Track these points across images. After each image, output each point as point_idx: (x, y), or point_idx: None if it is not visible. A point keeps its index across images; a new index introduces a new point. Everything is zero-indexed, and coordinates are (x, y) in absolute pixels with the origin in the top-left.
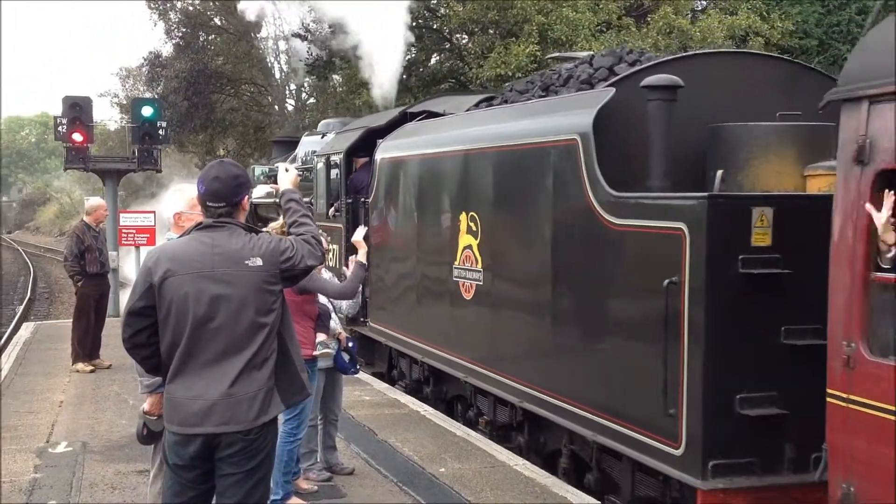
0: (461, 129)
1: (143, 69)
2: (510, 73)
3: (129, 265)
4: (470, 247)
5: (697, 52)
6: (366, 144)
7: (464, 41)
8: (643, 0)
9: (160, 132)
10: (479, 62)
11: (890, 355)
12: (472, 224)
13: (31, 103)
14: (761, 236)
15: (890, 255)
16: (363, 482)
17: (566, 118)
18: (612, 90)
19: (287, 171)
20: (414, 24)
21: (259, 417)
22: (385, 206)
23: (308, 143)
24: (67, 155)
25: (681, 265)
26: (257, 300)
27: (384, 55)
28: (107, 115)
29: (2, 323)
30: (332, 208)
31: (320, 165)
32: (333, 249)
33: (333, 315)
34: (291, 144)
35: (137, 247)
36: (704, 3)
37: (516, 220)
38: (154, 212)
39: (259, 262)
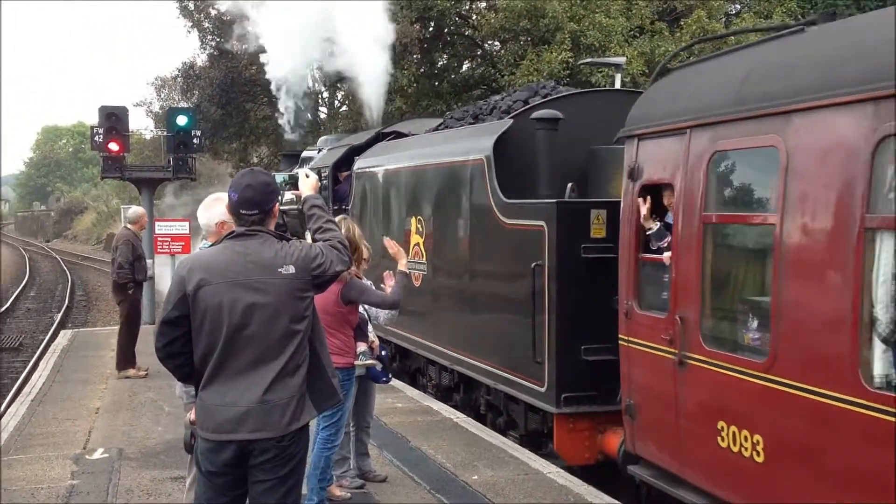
0: (412, 150)
1: (178, 79)
2: (543, 81)
3: (167, 275)
4: (418, 244)
5: (581, 91)
6: (349, 160)
7: (496, 48)
8: (676, 4)
9: (195, 141)
10: (511, 69)
11: (651, 309)
12: (418, 225)
13: (69, 113)
14: (598, 230)
15: (651, 231)
16: (396, 489)
17: (477, 143)
18: (511, 121)
19: (308, 176)
20: (446, 30)
21: (292, 424)
22: (360, 212)
23: (306, 157)
24: (104, 164)
25: (543, 252)
26: (291, 307)
27: (369, 78)
28: (142, 125)
29: (40, 330)
30: None
31: (319, 177)
32: None
33: (370, 324)
34: (297, 157)
35: (173, 255)
36: (738, 6)
37: (446, 221)
38: (188, 220)
39: (292, 269)
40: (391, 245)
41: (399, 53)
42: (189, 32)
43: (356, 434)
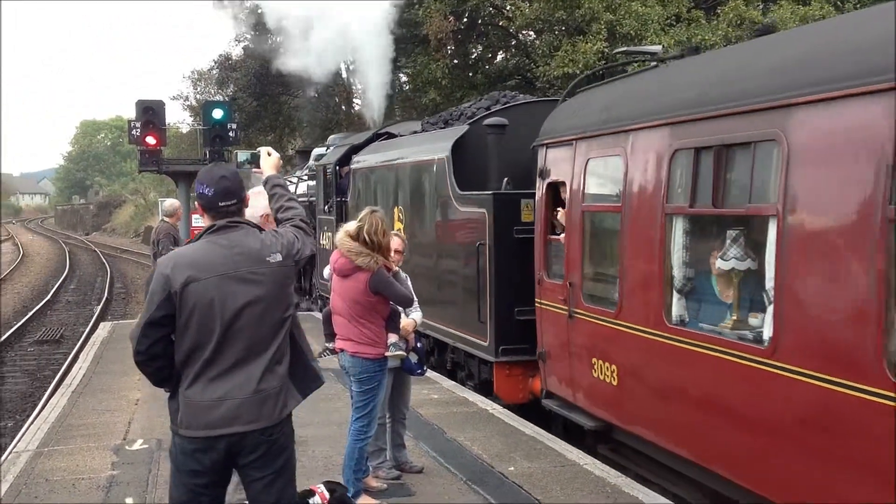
0: (395, 149)
1: (214, 72)
2: (578, 72)
3: None
4: (400, 230)
5: (532, 100)
6: (350, 157)
7: (530, 38)
8: None
9: (230, 134)
10: (545, 60)
11: (554, 278)
12: (400, 214)
13: (107, 107)
14: (528, 215)
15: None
16: (432, 480)
17: (441, 144)
18: (467, 127)
19: (270, 155)
20: (479, 20)
21: (283, 412)
22: (357, 203)
23: (318, 154)
24: (141, 158)
25: (485, 234)
26: (280, 295)
27: (371, 84)
28: (179, 118)
29: (80, 323)
30: (327, 205)
31: (320, 173)
32: (328, 236)
33: (403, 316)
34: (310, 153)
35: None
36: None
37: (418, 210)
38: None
39: (279, 257)
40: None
41: (434, 47)
42: (235, 18)
43: (392, 425)
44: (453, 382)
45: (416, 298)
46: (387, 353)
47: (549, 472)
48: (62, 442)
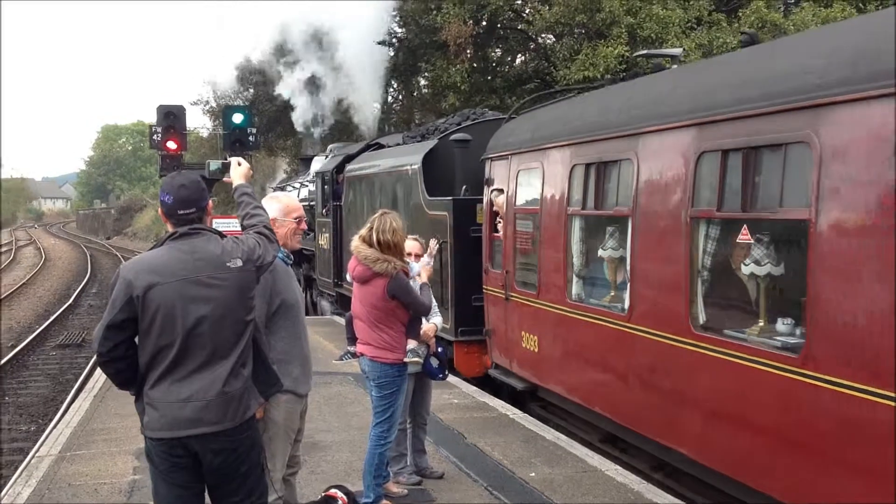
0: (379, 159)
1: (235, 76)
2: (598, 75)
3: None
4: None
5: (492, 118)
6: (345, 165)
7: (550, 41)
8: None
9: (250, 138)
10: (565, 64)
11: (496, 268)
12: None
13: (128, 112)
14: (481, 218)
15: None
16: (453, 486)
17: (414, 156)
18: (436, 141)
19: (240, 164)
20: (498, 24)
21: (246, 413)
22: (349, 207)
23: (318, 162)
24: (162, 162)
25: (447, 233)
26: (242, 299)
27: (364, 100)
28: (199, 123)
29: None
30: (325, 209)
31: (319, 179)
32: (326, 237)
33: (424, 321)
34: (311, 161)
35: None
36: None
37: (398, 211)
38: (237, 217)
39: (239, 262)
40: (433, 248)
41: (452, 51)
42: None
43: (413, 431)
44: (475, 387)
45: (434, 304)
46: (405, 359)
47: (571, 478)
48: (84, 446)
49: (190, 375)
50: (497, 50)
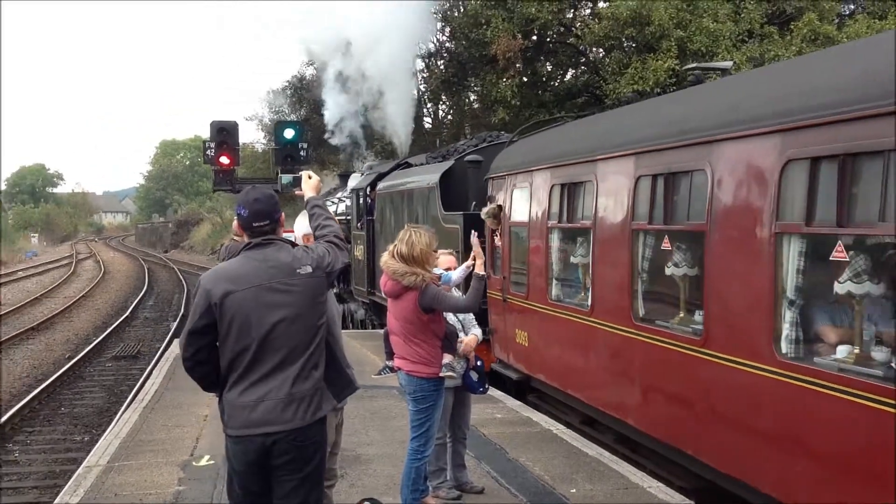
0: (405, 177)
1: (287, 91)
2: (648, 89)
3: None
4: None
5: (502, 141)
6: (377, 183)
7: (600, 55)
8: (786, 7)
9: (301, 153)
10: (615, 78)
11: (496, 274)
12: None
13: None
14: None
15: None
16: (492, 501)
17: (433, 175)
18: (452, 161)
19: (310, 178)
20: (547, 38)
21: (315, 414)
22: (379, 221)
23: (354, 179)
24: (216, 177)
25: (458, 244)
26: (313, 304)
27: (398, 113)
28: (254, 138)
29: (157, 339)
30: (360, 223)
31: (354, 196)
32: (361, 249)
33: (462, 335)
34: (348, 177)
35: None
36: (852, 6)
37: (427, 228)
38: (293, 230)
39: (309, 269)
40: (475, 245)
41: (502, 66)
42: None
43: (453, 445)
44: (519, 402)
45: (472, 317)
46: (441, 374)
47: (612, 495)
48: (132, 457)
49: (264, 377)
50: (547, 64)
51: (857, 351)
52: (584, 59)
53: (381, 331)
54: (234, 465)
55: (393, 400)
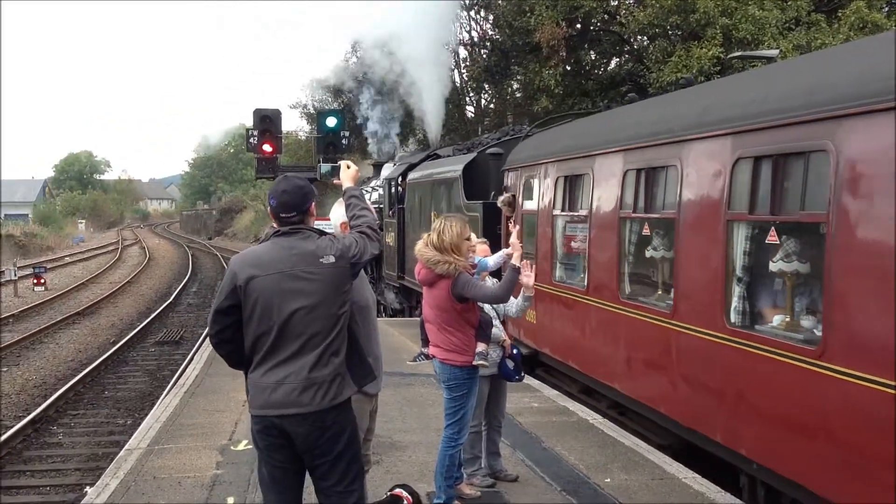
0: (433, 168)
1: (329, 79)
2: (692, 77)
3: None
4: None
5: (522, 135)
6: (408, 173)
7: (644, 43)
8: None
9: (343, 142)
10: (658, 66)
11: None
12: (434, 216)
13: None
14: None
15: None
16: (526, 489)
17: (457, 166)
18: (475, 154)
19: (349, 167)
20: (591, 26)
21: (334, 399)
22: (409, 209)
23: (387, 168)
24: (258, 165)
25: (478, 230)
26: (334, 293)
27: (430, 106)
28: (298, 126)
29: (199, 325)
30: (391, 211)
31: (386, 185)
32: (392, 236)
33: (497, 323)
34: (381, 167)
35: None
36: None
37: (444, 212)
38: (329, 219)
39: (332, 258)
40: (514, 237)
41: (545, 54)
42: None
43: (487, 433)
44: (556, 392)
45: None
46: (473, 362)
47: (647, 485)
48: (172, 440)
49: (284, 361)
50: (590, 52)
51: (787, 319)
52: (627, 48)
53: (418, 318)
54: (257, 442)
55: (429, 387)
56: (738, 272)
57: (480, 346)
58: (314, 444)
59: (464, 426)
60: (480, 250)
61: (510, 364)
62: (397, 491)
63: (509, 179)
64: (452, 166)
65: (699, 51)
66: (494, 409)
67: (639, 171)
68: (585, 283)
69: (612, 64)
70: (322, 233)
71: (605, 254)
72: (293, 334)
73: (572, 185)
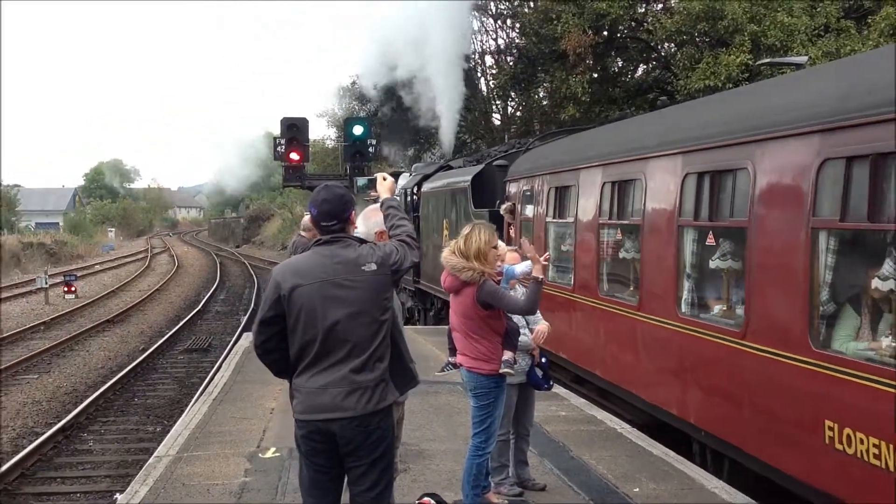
0: (444, 179)
1: (356, 87)
2: (720, 84)
3: None
4: (445, 236)
5: (525, 148)
6: (422, 183)
7: (671, 50)
8: (864, 1)
9: (370, 149)
10: (686, 73)
11: None
12: (446, 224)
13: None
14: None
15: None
16: (554, 498)
17: (466, 176)
18: (483, 165)
19: (385, 179)
20: (618, 34)
21: (379, 404)
22: (424, 217)
23: (404, 178)
24: (285, 173)
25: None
26: (376, 300)
27: (444, 121)
28: (325, 134)
29: (227, 332)
30: None
31: (402, 194)
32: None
33: (525, 331)
34: (399, 176)
35: None
36: None
37: (454, 222)
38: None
39: (374, 266)
40: (527, 248)
41: (572, 61)
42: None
43: (515, 442)
44: (583, 400)
45: (538, 310)
46: (500, 370)
47: (675, 495)
48: (200, 448)
49: (330, 367)
50: (617, 60)
51: (724, 308)
52: (654, 55)
53: (444, 327)
54: (300, 447)
55: (456, 396)
56: (688, 270)
57: (507, 355)
58: (357, 448)
59: (491, 435)
60: (510, 258)
61: (539, 372)
62: (425, 500)
63: (511, 189)
64: (462, 177)
65: (727, 58)
66: (522, 418)
67: (613, 183)
68: (572, 283)
69: (640, 71)
70: (362, 241)
71: (587, 256)
72: (338, 341)
73: (561, 196)
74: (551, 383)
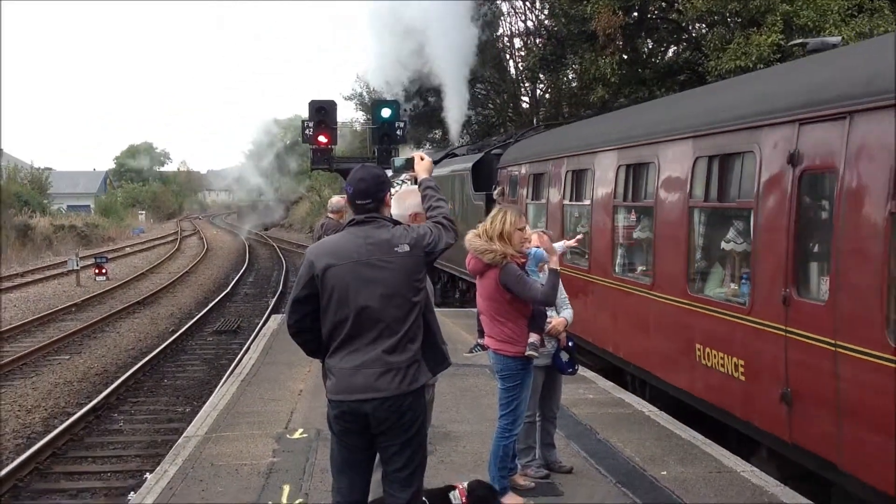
0: (450, 165)
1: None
2: (751, 65)
3: None
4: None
5: (522, 137)
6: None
7: (702, 31)
8: None
9: (398, 132)
10: (717, 54)
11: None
12: (450, 207)
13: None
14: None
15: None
16: (581, 481)
17: (467, 164)
18: (482, 154)
19: (423, 159)
20: (648, 14)
21: (411, 385)
22: None
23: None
24: (313, 156)
25: (483, 215)
26: (409, 281)
27: (451, 111)
28: (353, 117)
29: (256, 314)
30: None
31: (412, 180)
32: None
33: (552, 313)
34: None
35: None
36: None
37: (458, 204)
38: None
39: (406, 247)
40: (542, 241)
41: (602, 42)
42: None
43: (542, 424)
44: (611, 383)
45: (565, 297)
46: (525, 353)
47: (704, 478)
48: (229, 428)
49: (363, 347)
50: (647, 41)
51: (642, 268)
52: (685, 36)
53: (472, 309)
54: (333, 427)
55: (484, 378)
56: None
57: (533, 337)
58: (390, 428)
59: (518, 417)
60: (537, 240)
61: (564, 356)
62: (457, 482)
63: (502, 176)
64: (464, 164)
65: (758, 38)
66: (549, 401)
67: (575, 172)
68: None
69: (670, 52)
70: (396, 222)
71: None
72: (370, 321)
73: (540, 181)
74: (576, 367)
